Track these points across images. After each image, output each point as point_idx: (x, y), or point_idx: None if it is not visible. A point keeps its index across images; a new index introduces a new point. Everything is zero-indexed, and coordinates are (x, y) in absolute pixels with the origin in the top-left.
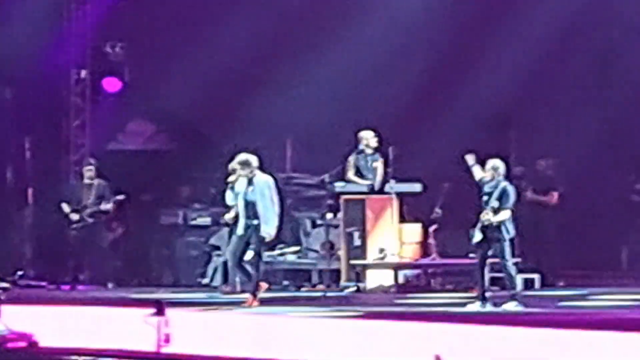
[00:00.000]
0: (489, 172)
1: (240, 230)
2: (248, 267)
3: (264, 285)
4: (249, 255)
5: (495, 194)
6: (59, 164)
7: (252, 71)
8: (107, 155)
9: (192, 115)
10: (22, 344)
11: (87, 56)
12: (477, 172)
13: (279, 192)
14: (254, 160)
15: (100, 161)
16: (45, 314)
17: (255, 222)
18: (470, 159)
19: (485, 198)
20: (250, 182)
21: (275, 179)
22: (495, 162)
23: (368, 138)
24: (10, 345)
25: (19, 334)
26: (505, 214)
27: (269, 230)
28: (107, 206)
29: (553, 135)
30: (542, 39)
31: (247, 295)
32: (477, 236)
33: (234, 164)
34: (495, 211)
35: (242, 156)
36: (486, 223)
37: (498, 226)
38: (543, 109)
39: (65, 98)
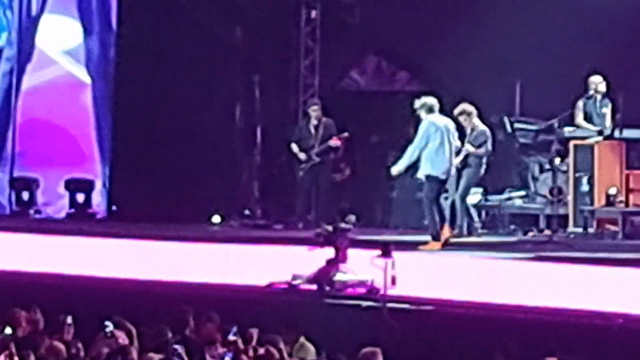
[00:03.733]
0: None
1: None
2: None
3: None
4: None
5: None
6: (288, 104)
7: (482, 12)
8: (335, 96)
9: (421, 56)
10: (362, 290)
11: None
12: None
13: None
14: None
15: (328, 101)
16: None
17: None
18: None
19: None
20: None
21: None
22: None
23: (597, 83)
24: (349, 291)
25: (359, 281)
26: None
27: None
28: (334, 142)
29: None
30: None
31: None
32: None
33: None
34: None
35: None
36: None
37: None
38: None
39: (295, 37)
